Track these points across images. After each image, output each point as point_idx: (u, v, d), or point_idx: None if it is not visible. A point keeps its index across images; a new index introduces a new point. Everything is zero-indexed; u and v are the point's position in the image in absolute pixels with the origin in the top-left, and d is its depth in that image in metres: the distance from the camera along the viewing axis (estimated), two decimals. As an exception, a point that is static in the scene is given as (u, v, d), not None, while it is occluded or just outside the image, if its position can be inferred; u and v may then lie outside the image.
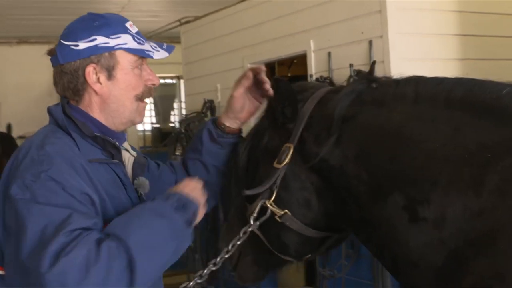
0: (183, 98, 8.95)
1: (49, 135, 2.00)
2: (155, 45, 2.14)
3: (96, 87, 2.07)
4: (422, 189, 1.70)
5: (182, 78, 8.98)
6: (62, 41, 2.08)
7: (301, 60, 8.21)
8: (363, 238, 2.00)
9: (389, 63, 4.22)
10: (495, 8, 4.71)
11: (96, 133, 2.06)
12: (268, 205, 2.07)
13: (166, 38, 7.80)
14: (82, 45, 2.05)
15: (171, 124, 10.62)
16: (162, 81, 9.45)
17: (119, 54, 2.08)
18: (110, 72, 2.08)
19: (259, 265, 2.31)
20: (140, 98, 2.14)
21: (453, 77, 1.82)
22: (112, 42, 2.06)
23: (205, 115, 6.35)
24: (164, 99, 10.69)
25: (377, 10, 4.31)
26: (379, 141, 1.84)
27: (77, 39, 2.06)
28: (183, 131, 6.18)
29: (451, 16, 4.51)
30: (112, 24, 2.09)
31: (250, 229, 2.10)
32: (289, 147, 2.04)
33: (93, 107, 2.11)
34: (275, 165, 2.07)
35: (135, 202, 2.08)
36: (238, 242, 2.11)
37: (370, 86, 1.98)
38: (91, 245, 1.66)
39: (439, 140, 1.72)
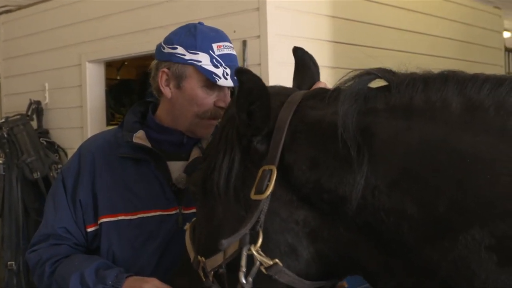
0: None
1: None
2: (228, 72, 2.18)
3: (165, 91, 2.25)
4: None
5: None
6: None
7: (132, 62, 7.70)
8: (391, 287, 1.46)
9: (267, 67, 3.86)
10: (367, 18, 4.57)
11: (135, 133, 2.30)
12: (255, 253, 1.50)
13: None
14: (166, 49, 2.23)
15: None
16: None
17: (191, 69, 2.19)
18: (179, 82, 2.21)
19: None
20: (202, 116, 2.21)
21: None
22: (188, 56, 2.18)
23: (31, 118, 5.54)
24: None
25: (254, 8, 3.94)
26: (431, 162, 1.32)
27: (166, 42, 2.25)
28: (5, 135, 5.31)
29: (327, 21, 4.27)
30: (198, 39, 2.20)
31: None
32: (271, 170, 1.50)
33: (163, 108, 2.33)
34: (254, 196, 1.51)
35: (169, 197, 2.23)
36: None
37: (374, 88, 1.48)
38: (37, 261, 2.29)
39: None
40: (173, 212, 2.21)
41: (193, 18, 4.26)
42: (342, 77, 1.52)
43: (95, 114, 5.39)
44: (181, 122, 2.26)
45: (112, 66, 7.60)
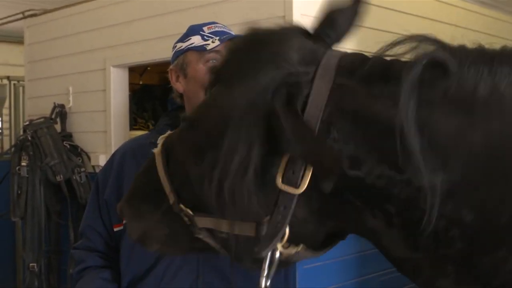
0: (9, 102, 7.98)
1: None
2: (215, 37, 2.25)
3: (177, 86, 2.35)
4: None
5: (13, 79, 8.02)
6: None
7: (155, 67, 7.75)
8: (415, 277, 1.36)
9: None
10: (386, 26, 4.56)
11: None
12: (280, 249, 1.35)
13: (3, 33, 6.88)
14: (172, 54, 2.38)
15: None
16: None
17: (189, 54, 2.29)
18: (184, 71, 2.30)
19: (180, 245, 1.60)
20: None
21: None
22: (184, 45, 2.30)
23: (55, 121, 5.59)
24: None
25: (280, 15, 3.96)
26: (495, 168, 1.18)
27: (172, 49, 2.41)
28: (29, 138, 5.35)
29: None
30: (189, 29, 2.35)
31: None
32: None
33: (187, 109, 2.35)
34: (284, 187, 1.28)
35: None
36: None
37: (427, 71, 1.22)
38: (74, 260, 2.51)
39: None
40: None
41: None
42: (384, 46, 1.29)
43: (118, 119, 5.42)
44: None
45: (135, 71, 7.66)
